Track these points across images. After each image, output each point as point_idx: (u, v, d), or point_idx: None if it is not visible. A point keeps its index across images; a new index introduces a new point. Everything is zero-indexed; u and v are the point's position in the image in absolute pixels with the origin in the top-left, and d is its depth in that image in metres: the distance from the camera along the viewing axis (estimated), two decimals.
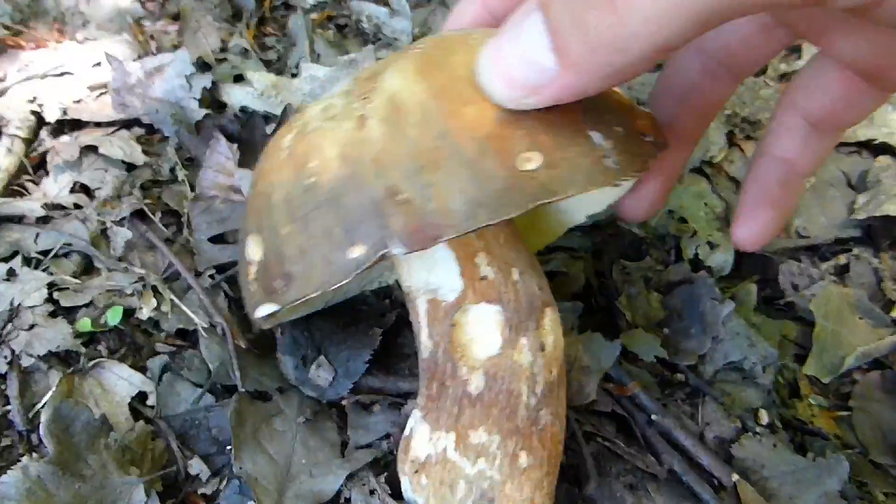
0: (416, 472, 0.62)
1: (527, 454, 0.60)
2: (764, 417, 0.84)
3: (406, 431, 0.64)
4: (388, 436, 0.76)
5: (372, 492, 0.74)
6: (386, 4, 1.23)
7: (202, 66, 1.02)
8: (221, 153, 0.92)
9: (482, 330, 0.61)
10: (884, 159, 1.12)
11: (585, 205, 0.78)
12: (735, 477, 0.76)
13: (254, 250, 0.57)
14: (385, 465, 0.75)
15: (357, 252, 0.50)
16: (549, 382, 0.62)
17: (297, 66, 1.04)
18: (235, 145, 0.92)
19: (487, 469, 0.59)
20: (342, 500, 0.73)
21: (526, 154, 0.50)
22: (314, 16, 1.19)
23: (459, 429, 0.60)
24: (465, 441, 0.59)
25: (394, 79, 0.55)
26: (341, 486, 0.72)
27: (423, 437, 0.61)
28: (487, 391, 0.60)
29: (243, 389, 0.76)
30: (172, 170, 0.94)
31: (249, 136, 0.96)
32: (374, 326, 0.81)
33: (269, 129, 0.97)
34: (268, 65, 1.09)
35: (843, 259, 1.03)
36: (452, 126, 0.51)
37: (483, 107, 0.52)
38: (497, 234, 0.63)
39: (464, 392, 0.60)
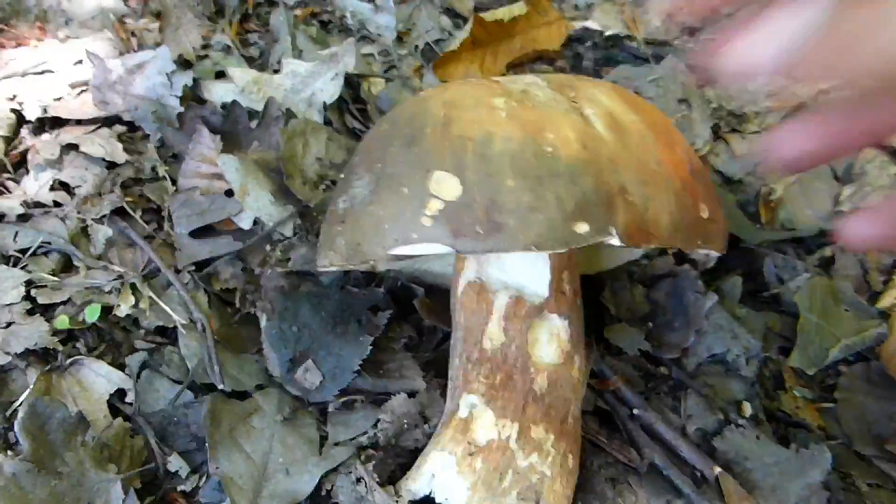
0: (472, 454, 0.64)
1: (573, 458, 0.65)
2: (747, 409, 0.84)
3: (462, 414, 0.65)
4: (365, 433, 0.75)
5: (359, 479, 0.73)
6: (370, 1, 1.23)
7: (184, 63, 1.01)
8: (204, 144, 0.92)
9: (549, 338, 0.67)
10: (869, 151, 1.11)
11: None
12: (717, 469, 0.75)
13: (446, 188, 0.58)
14: (369, 457, 0.75)
15: (582, 228, 0.56)
16: (581, 400, 0.69)
17: (279, 63, 1.04)
18: (218, 136, 0.92)
19: (539, 464, 0.63)
20: (324, 492, 0.73)
21: (702, 205, 0.63)
22: (298, 12, 1.19)
23: (524, 421, 0.64)
24: (527, 434, 0.63)
25: (605, 99, 0.64)
26: (327, 474, 0.73)
27: (487, 423, 0.64)
28: (549, 393, 0.65)
29: (222, 386, 0.76)
30: (154, 167, 0.94)
31: (232, 127, 0.96)
32: (365, 332, 0.80)
33: (252, 124, 0.97)
34: (250, 61, 1.08)
35: (828, 251, 1.02)
36: (664, 159, 0.62)
37: (683, 151, 0.65)
38: (577, 259, 0.71)
39: (530, 389, 0.65)
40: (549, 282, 0.67)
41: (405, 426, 0.73)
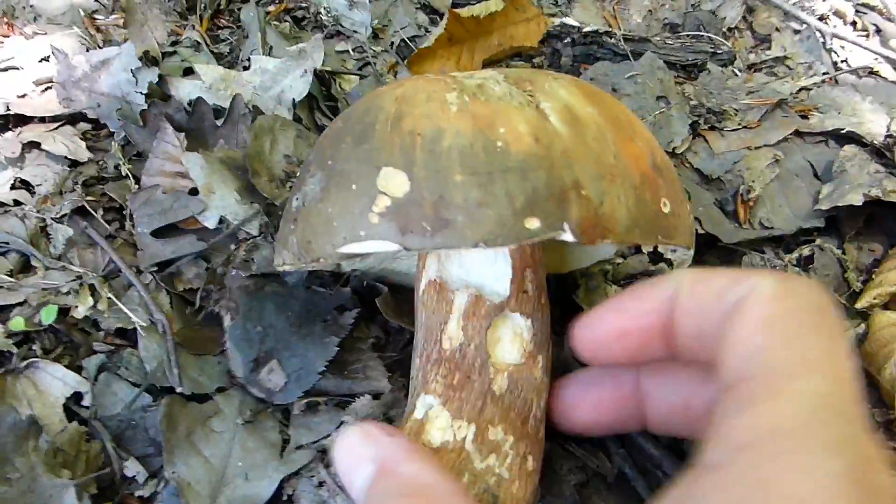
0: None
1: (532, 459, 0.63)
2: None
3: (418, 415, 0.64)
4: (328, 436, 0.74)
5: (321, 483, 0.72)
6: None
7: (150, 60, 1.00)
8: (168, 142, 0.90)
9: (512, 338, 0.66)
10: (850, 148, 1.09)
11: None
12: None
13: (395, 184, 0.57)
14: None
15: (533, 224, 0.55)
16: (545, 402, 0.67)
17: (248, 59, 1.02)
18: (183, 134, 0.90)
19: (497, 466, 0.61)
20: (285, 497, 0.72)
21: (664, 199, 0.62)
22: (271, 8, 1.17)
23: (481, 422, 0.62)
24: (484, 435, 0.61)
25: (563, 92, 0.63)
26: (289, 478, 0.71)
27: (442, 424, 0.62)
28: (508, 394, 0.63)
29: (180, 389, 0.74)
30: (117, 165, 0.92)
31: (198, 125, 0.94)
32: (331, 333, 0.78)
33: (218, 122, 0.95)
34: (220, 58, 1.07)
35: (806, 250, 1.01)
36: (623, 153, 0.61)
37: (644, 144, 0.64)
38: (540, 257, 0.69)
39: (489, 389, 0.63)
40: (511, 280, 0.66)
41: None
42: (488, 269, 0.66)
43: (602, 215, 0.57)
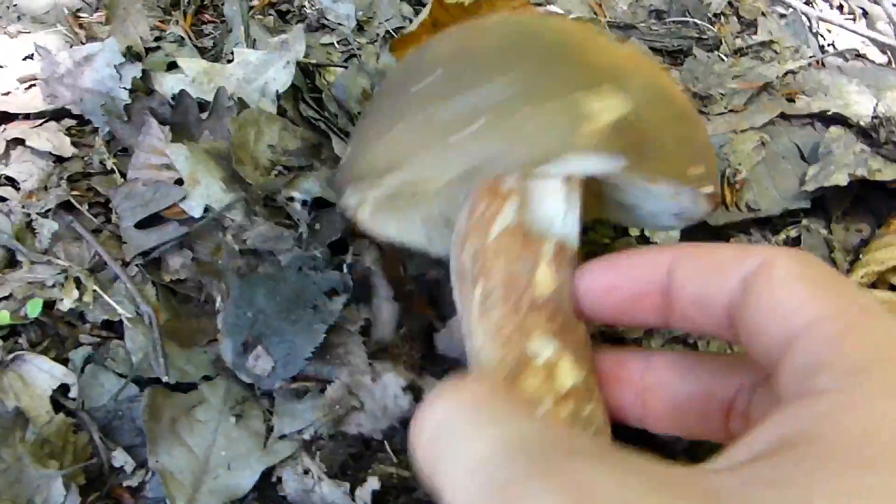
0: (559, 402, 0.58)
1: None
2: None
3: (539, 361, 0.59)
4: (311, 425, 0.74)
5: (306, 471, 0.72)
6: None
7: (134, 55, 1.00)
8: (153, 135, 0.90)
9: None
10: (835, 130, 1.09)
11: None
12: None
13: (611, 106, 0.56)
14: (319, 447, 0.73)
15: (699, 170, 0.61)
16: None
17: (232, 53, 1.02)
18: (168, 127, 0.91)
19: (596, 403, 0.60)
20: (270, 485, 0.72)
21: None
22: (255, 3, 1.17)
23: (587, 362, 0.60)
24: (589, 373, 0.60)
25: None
26: (273, 467, 0.72)
27: (568, 366, 0.58)
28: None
29: (166, 378, 0.74)
30: (102, 160, 0.92)
31: (182, 118, 0.94)
32: (319, 320, 0.78)
33: (203, 115, 0.95)
34: (203, 52, 1.07)
35: (793, 231, 1.01)
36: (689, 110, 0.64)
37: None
38: None
39: (585, 330, 0.62)
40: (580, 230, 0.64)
41: (340, 413, 0.71)
42: (568, 218, 0.64)
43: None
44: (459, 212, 0.64)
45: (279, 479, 0.72)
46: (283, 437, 0.73)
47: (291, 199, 0.87)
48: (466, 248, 0.63)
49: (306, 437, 0.74)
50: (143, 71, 0.97)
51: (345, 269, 0.80)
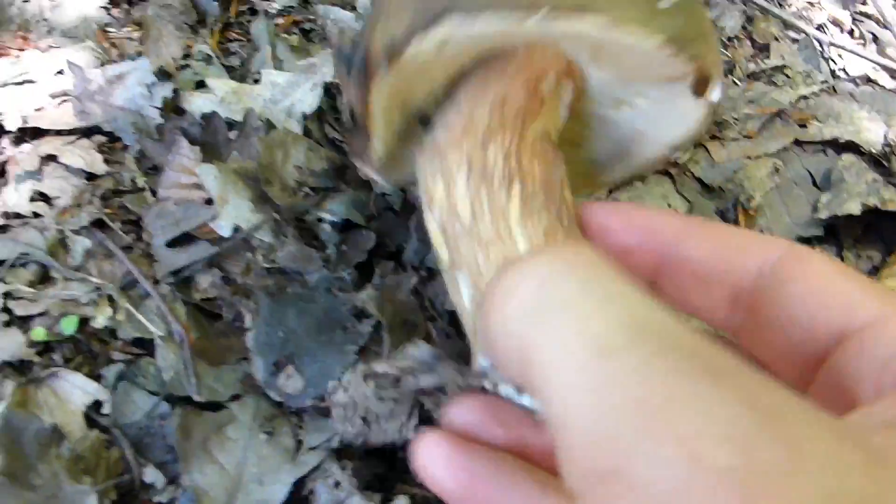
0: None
1: None
2: None
3: None
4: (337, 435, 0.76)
5: (337, 484, 0.74)
6: (353, 9, 1.23)
7: (164, 74, 1.02)
8: (184, 155, 0.92)
9: None
10: (848, 157, 1.12)
11: (666, 123, 0.69)
12: None
13: None
14: (349, 456, 0.75)
15: None
16: None
17: (258, 72, 1.04)
18: (198, 147, 0.93)
19: None
20: (302, 498, 0.74)
21: None
22: (280, 21, 1.19)
23: None
24: None
25: None
26: (303, 480, 0.73)
27: None
28: None
29: (197, 397, 0.77)
30: (133, 178, 0.94)
31: (212, 138, 0.96)
32: (350, 341, 0.80)
33: (232, 134, 0.97)
34: (230, 71, 1.09)
35: None
36: None
37: None
38: None
39: None
40: None
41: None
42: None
43: None
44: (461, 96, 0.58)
45: (311, 492, 0.74)
46: (312, 448, 0.75)
47: (321, 219, 0.89)
48: (495, 142, 0.56)
49: (335, 445, 0.75)
50: (174, 90, 0.99)
51: (371, 292, 0.82)
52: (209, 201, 0.89)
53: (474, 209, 0.53)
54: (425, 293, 0.86)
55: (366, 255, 0.86)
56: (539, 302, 0.29)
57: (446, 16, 0.52)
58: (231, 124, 0.98)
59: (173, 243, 0.87)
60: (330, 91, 1.02)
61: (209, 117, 0.96)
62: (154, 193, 0.92)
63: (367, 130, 0.63)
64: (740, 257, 0.46)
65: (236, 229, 0.87)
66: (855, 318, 0.41)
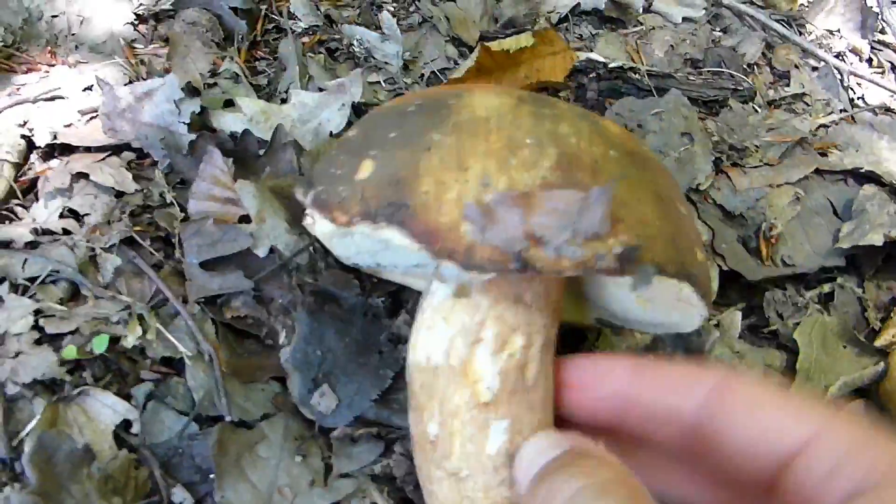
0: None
1: None
2: None
3: None
4: (375, 463, 0.76)
5: None
6: (377, 29, 1.24)
7: (192, 90, 1.02)
8: (216, 165, 0.92)
9: None
10: (869, 188, 1.13)
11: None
12: None
13: None
14: (386, 479, 0.76)
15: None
16: None
17: (286, 91, 1.05)
18: (231, 159, 0.92)
19: None
20: None
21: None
22: (305, 40, 1.20)
23: None
24: None
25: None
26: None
27: None
28: None
29: (230, 417, 0.77)
30: (162, 193, 0.94)
31: (244, 153, 0.96)
32: (387, 365, 0.81)
33: (259, 151, 0.98)
34: (258, 89, 1.09)
35: (827, 288, 1.04)
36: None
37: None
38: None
39: None
40: None
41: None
42: None
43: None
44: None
45: None
46: (344, 475, 0.75)
47: None
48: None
49: (371, 474, 0.76)
50: (202, 107, 0.99)
51: (406, 318, 0.83)
52: (244, 218, 0.89)
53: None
54: None
55: (398, 284, 0.86)
56: None
57: None
58: (258, 142, 0.98)
59: (206, 264, 0.87)
60: (359, 111, 1.03)
61: (242, 136, 0.96)
62: (183, 209, 0.93)
63: None
64: (677, 398, 0.53)
65: (272, 250, 0.87)
66: (791, 441, 0.47)
